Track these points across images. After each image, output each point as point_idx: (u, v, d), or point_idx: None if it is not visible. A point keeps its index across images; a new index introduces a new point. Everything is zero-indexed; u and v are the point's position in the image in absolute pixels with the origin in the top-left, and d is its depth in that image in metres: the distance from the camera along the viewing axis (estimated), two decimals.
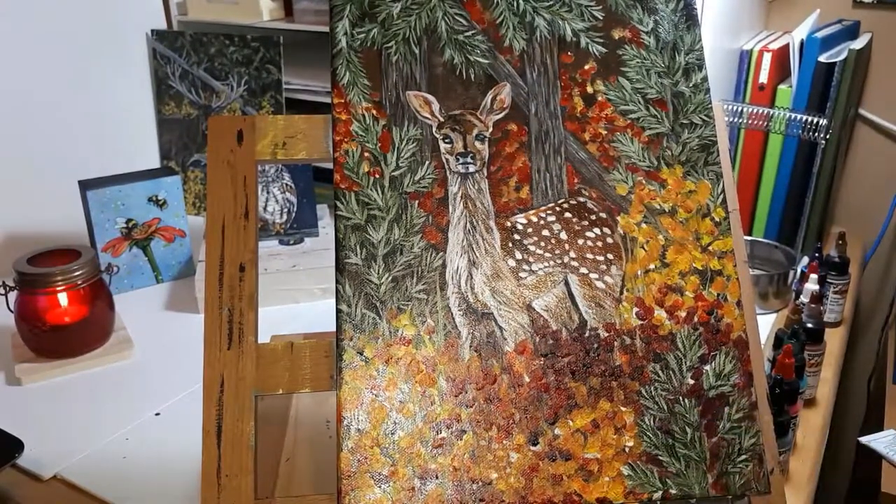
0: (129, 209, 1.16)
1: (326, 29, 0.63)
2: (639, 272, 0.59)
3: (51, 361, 0.97)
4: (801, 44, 1.22)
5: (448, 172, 0.60)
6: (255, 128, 0.62)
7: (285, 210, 1.26)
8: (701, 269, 0.60)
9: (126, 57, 1.43)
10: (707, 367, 0.58)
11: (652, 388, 0.57)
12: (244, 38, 1.41)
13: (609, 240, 0.60)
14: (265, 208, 1.24)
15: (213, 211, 0.60)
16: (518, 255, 0.60)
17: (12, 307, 0.97)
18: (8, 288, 0.97)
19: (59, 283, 0.95)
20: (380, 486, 0.54)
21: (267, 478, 0.68)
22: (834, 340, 1.10)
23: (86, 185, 1.14)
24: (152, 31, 1.46)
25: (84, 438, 0.85)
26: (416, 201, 0.60)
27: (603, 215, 0.61)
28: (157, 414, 0.89)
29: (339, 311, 0.57)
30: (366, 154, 0.60)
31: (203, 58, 1.44)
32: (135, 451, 0.83)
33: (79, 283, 0.97)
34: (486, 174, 0.61)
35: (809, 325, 0.91)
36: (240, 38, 1.41)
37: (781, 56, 1.27)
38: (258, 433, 0.57)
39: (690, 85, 0.63)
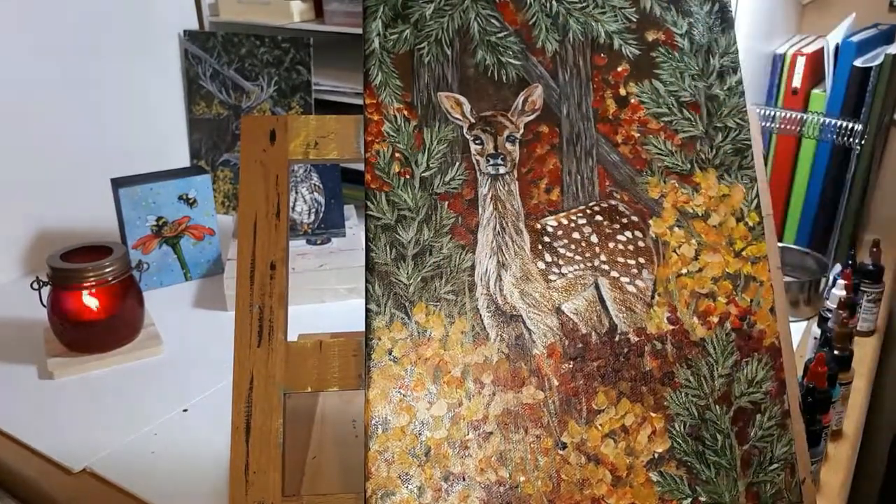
0: (159, 207, 1.18)
1: (356, 30, 0.63)
2: (670, 276, 0.59)
3: (82, 356, 0.98)
4: (836, 48, 1.20)
5: (478, 174, 0.60)
6: (287, 127, 0.62)
7: (313, 210, 1.26)
8: (734, 274, 0.59)
9: (158, 57, 1.45)
10: (739, 374, 0.57)
11: (682, 394, 0.57)
12: (274, 38, 1.42)
13: (640, 243, 0.60)
14: (293, 208, 1.24)
15: (244, 209, 0.61)
16: (548, 258, 0.59)
17: (45, 302, 0.99)
18: (41, 283, 0.99)
19: (91, 279, 0.97)
20: (406, 487, 0.54)
21: (294, 475, 0.69)
22: (867, 349, 1.08)
23: (118, 183, 1.16)
24: (184, 31, 1.47)
25: (113, 433, 0.86)
26: (446, 202, 0.60)
27: (634, 218, 0.60)
28: (186, 410, 0.90)
29: (368, 311, 0.58)
30: (397, 154, 0.60)
31: (234, 58, 1.45)
32: (163, 446, 0.84)
33: (110, 279, 0.98)
34: (516, 176, 0.61)
35: (837, 353, 0.89)
36: (270, 39, 1.42)
37: (815, 60, 1.25)
38: (286, 430, 0.58)
39: (725, 88, 0.63)
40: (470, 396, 0.56)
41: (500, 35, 0.62)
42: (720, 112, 0.62)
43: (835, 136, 1.14)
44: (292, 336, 0.62)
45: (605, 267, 0.59)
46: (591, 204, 0.60)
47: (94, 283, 0.97)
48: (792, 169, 1.29)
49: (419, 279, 0.58)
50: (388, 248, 0.59)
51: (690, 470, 0.55)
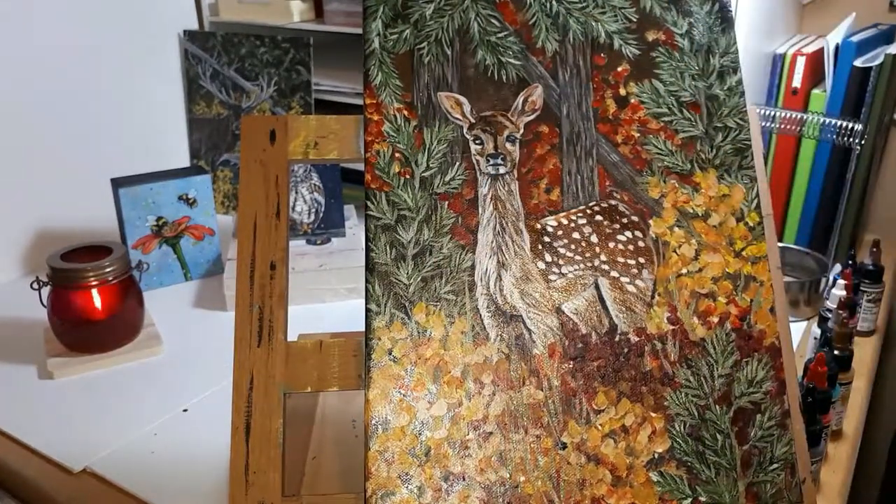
0: (159, 207, 1.18)
1: (356, 30, 0.63)
2: (670, 276, 0.59)
3: (82, 356, 0.98)
4: (836, 48, 1.20)
5: (478, 174, 0.60)
6: (287, 127, 0.62)
7: (313, 210, 1.26)
8: (734, 274, 0.59)
9: (158, 57, 1.45)
10: (739, 374, 0.57)
11: (682, 394, 0.57)
12: (274, 38, 1.42)
13: (640, 243, 0.60)
14: (293, 208, 1.24)
15: (244, 209, 0.61)
16: (548, 258, 0.59)
17: (45, 302, 0.99)
18: (41, 283, 0.99)
19: (91, 279, 0.97)
20: (406, 487, 0.54)
21: (293, 475, 0.69)
22: (867, 349, 1.08)
23: (118, 183, 1.16)
24: (184, 31, 1.47)
25: (113, 433, 0.86)
26: (446, 202, 0.60)
27: (635, 218, 0.60)
28: (185, 410, 0.90)
29: (368, 311, 0.57)
30: (397, 155, 0.60)
31: (234, 58, 1.45)
32: (163, 446, 0.84)
33: (110, 279, 0.98)
34: (516, 176, 0.61)
35: (837, 353, 0.89)
36: (270, 39, 1.42)
37: (815, 60, 1.25)
38: (286, 430, 0.58)
39: (725, 88, 0.63)
40: (470, 396, 0.56)
41: (500, 35, 0.62)
42: (720, 112, 0.62)
43: (835, 136, 1.14)
44: (292, 336, 0.62)
45: (605, 267, 0.59)
46: (591, 204, 0.60)
47: (94, 283, 0.97)
48: (792, 169, 1.29)
49: (419, 279, 0.58)
50: (388, 248, 0.59)
51: (690, 470, 0.55)
